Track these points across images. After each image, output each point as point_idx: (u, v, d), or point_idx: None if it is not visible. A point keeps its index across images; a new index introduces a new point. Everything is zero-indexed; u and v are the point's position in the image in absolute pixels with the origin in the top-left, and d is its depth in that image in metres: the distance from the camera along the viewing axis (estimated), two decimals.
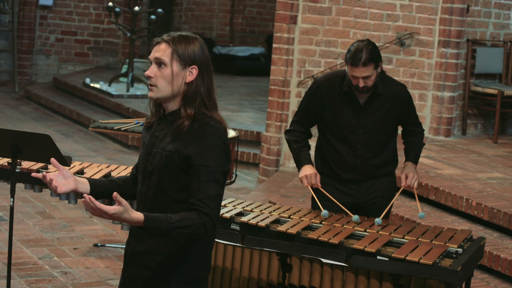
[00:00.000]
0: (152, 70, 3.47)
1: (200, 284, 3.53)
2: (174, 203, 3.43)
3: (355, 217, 4.72)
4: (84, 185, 3.56)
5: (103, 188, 3.63)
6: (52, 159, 3.49)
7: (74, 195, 5.48)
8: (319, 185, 4.93)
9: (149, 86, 3.49)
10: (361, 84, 4.79)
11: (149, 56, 3.50)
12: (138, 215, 3.26)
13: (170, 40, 3.46)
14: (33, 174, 3.55)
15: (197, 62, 3.45)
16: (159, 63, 3.45)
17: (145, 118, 5.80)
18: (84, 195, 3.23)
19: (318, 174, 4.95)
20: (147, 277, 3.50)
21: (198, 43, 3.48)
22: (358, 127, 4.92)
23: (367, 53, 4.74)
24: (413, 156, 5.07)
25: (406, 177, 4.95)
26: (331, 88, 4.94)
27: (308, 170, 4.95)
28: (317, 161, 5.12)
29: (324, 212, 4.76)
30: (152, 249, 3.48)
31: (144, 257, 3.50)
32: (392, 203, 4.96)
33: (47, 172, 5.40)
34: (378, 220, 4.70)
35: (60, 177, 3.48)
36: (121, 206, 3.22)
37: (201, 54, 3.47)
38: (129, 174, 3.74)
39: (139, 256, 3.52)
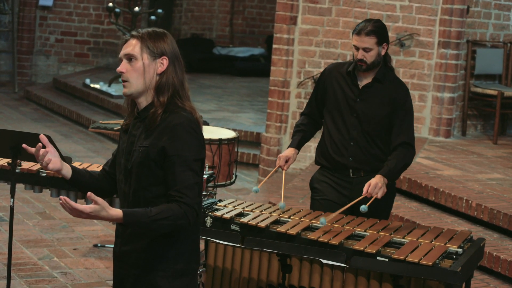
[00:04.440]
0: (123, 66, 3.50)
1: (188, 278, 3.55)
2: (154, 198, 3.46)
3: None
4: (67, 169, 3.59)
5: (82, 177, 3.64)
6: (41, 135, 3.51)
7: (73, 196, 5.47)
8: (285, 168, 5.00)
9: (122, 83, 3.51)
10: (360, 55, 4.91)
11: (119, 55, 3.53)
12: (117, 212, 3.29)
13: (139, 36, 3.51)
14: (24, 146, 3.55)
15: (167, 53, 3.50)
16: (130, 58, 3.49)
17: None
18: (60, 197, 3.27)
19: (290, 158, 5.02)
20: (136, 275, 3.53)
21: (167, 37, 3.53)
22: (353, 111, 5.01)
23: (372, 26, 4.92)
24: (385, 170, 4.86)
25: (369, 186, 4.79)
26: (337, 72, 5.11)
27: (286, 152, 5.07)
28: (317, 151, 5.21)
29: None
30: (138, 247, 3.51)
31: (130, 256, 3.54)
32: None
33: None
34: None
35: (49, 155, 3.52)
36: (97, 205, 3.25)
37: (171, 47, 3.52)
38: (100, 170, 3.74)
39: (126, 256, 3.55)
